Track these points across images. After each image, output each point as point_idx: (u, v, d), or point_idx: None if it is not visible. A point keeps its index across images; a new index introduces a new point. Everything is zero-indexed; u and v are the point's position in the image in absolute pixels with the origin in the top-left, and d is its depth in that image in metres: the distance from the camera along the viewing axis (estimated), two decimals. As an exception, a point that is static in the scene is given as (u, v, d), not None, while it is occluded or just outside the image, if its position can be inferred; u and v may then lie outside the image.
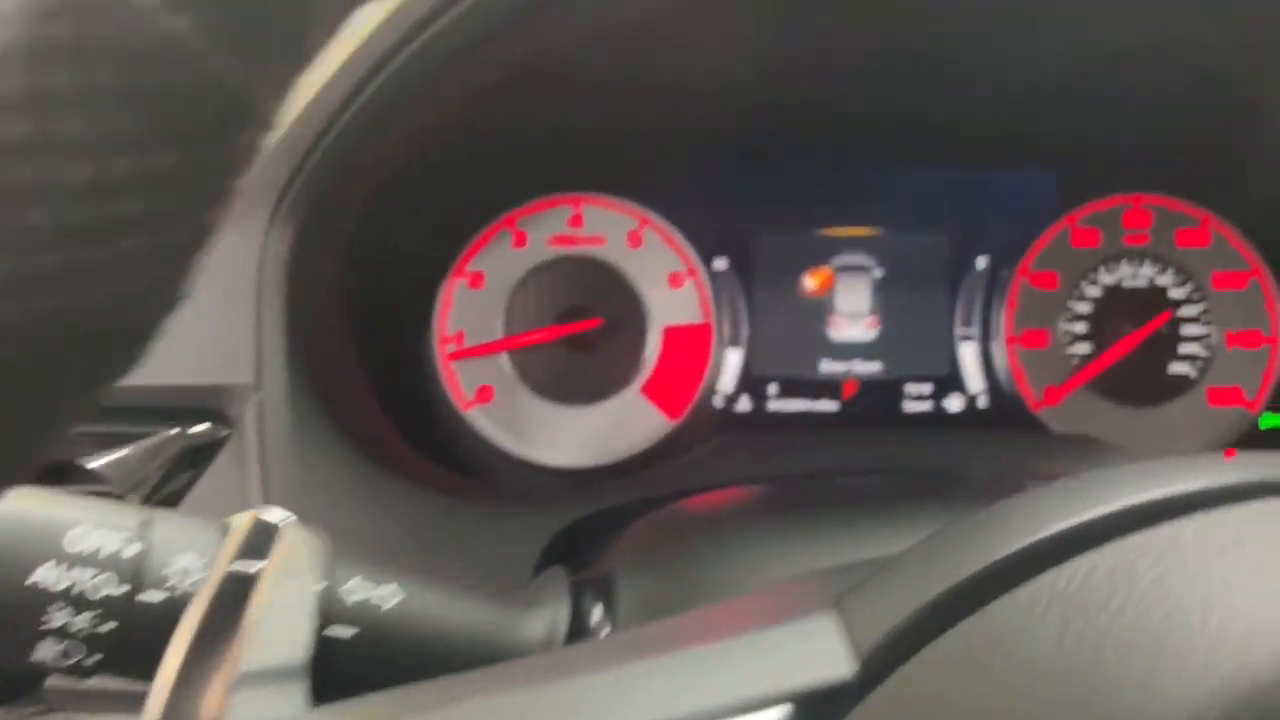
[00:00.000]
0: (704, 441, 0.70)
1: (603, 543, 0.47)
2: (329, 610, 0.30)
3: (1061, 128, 0.68)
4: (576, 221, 0.71)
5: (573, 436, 0.70)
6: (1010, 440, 0.70)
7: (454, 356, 0.70)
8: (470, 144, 0.63)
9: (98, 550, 0.30)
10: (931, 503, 0.43)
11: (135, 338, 0.19)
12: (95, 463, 0.48)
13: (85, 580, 0.29)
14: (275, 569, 0.27)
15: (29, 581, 0.29)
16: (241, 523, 0.29)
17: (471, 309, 0.70)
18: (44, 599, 0.29)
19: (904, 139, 0.70)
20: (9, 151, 0.17)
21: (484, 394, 0.70)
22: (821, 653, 0.22)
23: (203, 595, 0.27)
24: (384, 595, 0.32)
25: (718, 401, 0.72)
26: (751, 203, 0.73)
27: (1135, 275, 0.71)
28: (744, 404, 0.72)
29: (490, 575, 0.49)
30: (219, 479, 0.52)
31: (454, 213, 0.69)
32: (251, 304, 0.52)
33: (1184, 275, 0.71)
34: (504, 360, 0.70)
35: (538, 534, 0.52)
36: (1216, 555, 0.20)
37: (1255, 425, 0.70)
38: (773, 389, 0.73)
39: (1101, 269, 0.71)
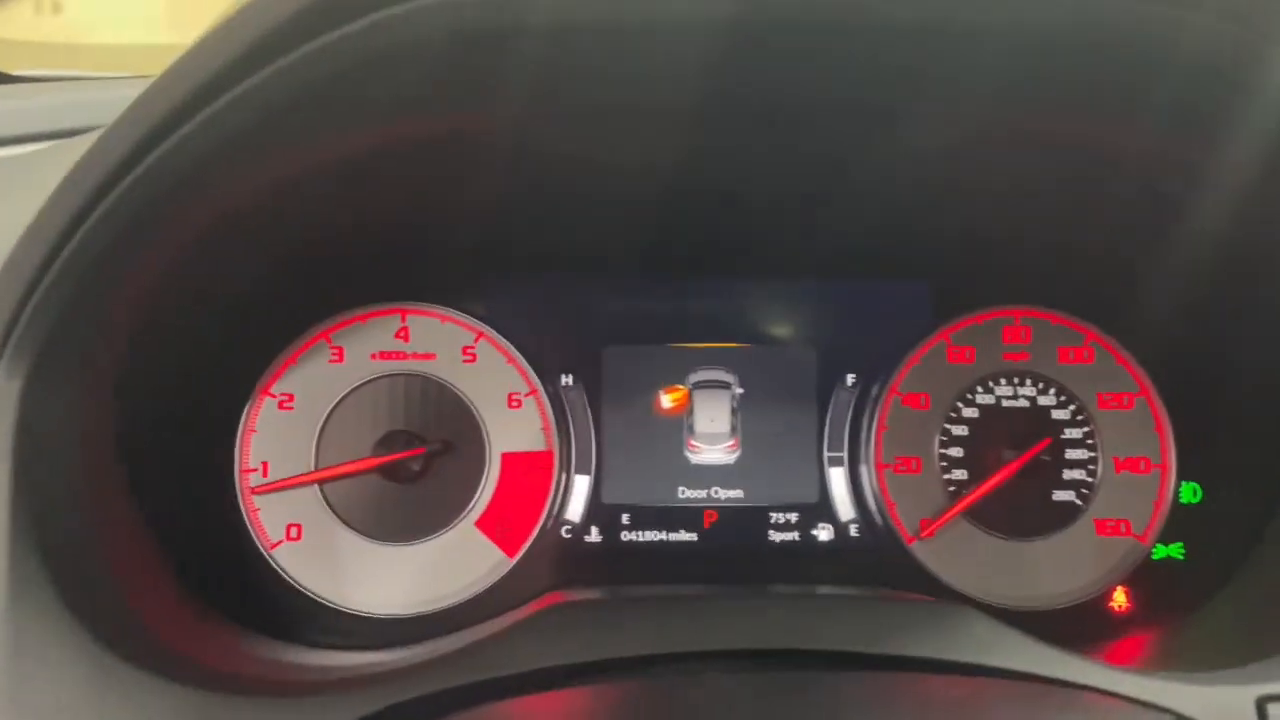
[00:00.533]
0: (547, 580, 0.63)
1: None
2: None
3: (936, 236, 0.63)
4: (403, 335, 0.64)
5: (397, 578, 0.62)
6: (884, 577, 0.64)
7: (258, 490, 0.62)
8: (266, 255, 0.56)
9: None
10: None
11: None
12: None
13: None
14: None
15: None
16: None
17: (280, 435, 0.62)
18: None
19: (768, 248, 0.64)
20: None
21: (293, 532, 0.62)
22: None
23: None
24: None
25: (564, 532, 0.65)
26: (601, 315, 0.66)
27: (1015, 394, 0.65)
28: (593, 535, 0.65)
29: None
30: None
31: (256, 329, 0.61)
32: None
33: (1066, 395, 0.65)
34: (317, 493, 0.62)
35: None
36: None
37: (1147, 558, 0.64)
38: (625, 519, 0.65)
39: (978, 388, 0.65)
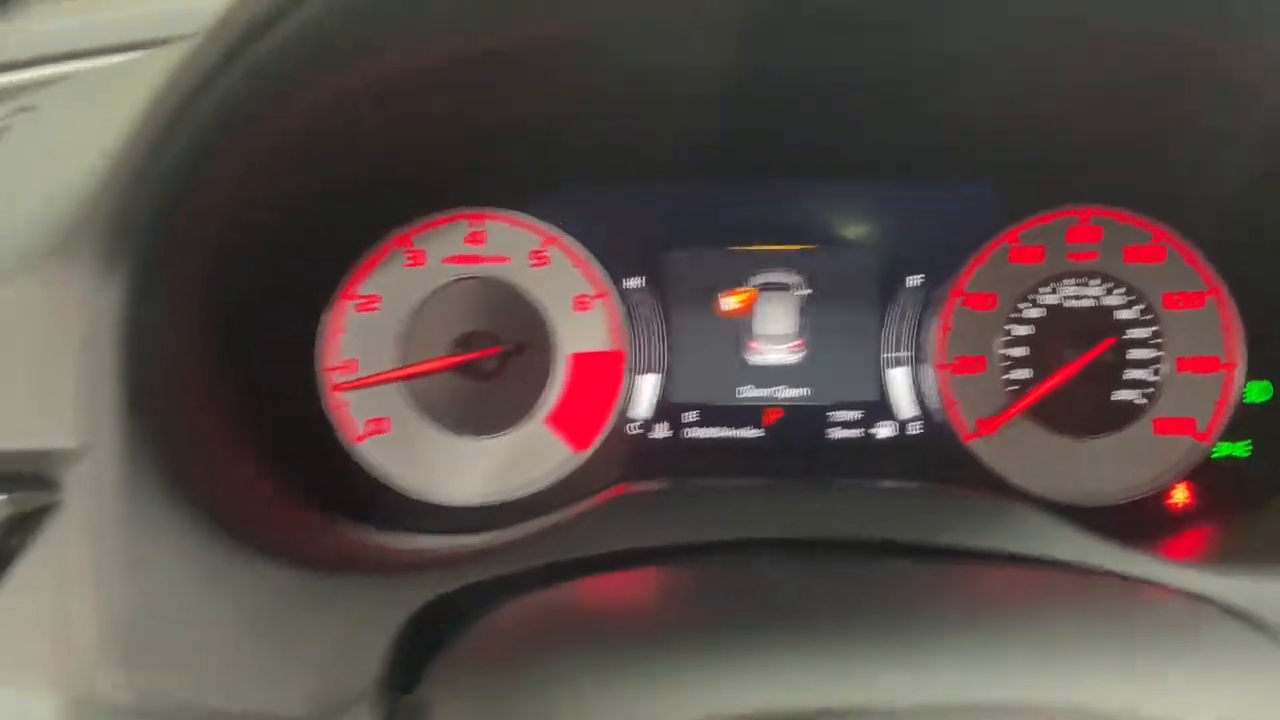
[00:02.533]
0: (615, 474, 0.66)
1: (447, 642, 0.43)
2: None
3: (1003, 135, 0.62)
4: (476, 239, 0.66)
5: (473, 470, 0.66)
6: (944, 474, 0.65)
7: (343, 387, 0.66)
8: (345, 162, 0.58)
9: None
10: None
11: None
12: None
13: None
14: None
15: None
16: None
17: (363, 335, 0.66)
18: None
19: (835, 150, 0.64)
20: None
21: (378, 426, 0.66)
22: None
23: None
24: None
25: (630, 429, 0.67)
26: (668, 218, 0.67)
27: (1080, 295, 0.66)
28: (660, 431, 0.68)
29: (331, 664, 0.45)
30: (49, 548, 0.48)
31: (336, 234, 0.64)
32: (73, 362, 0.48)
33: (1133, 295, 0.65)
34: (400, 391, 0.66)
35: (391, 613, 0.47)
36: None
37: (1207, 457, 0.65)
38: (690, 416, 0.68)
39: (1043, 288, 0.66)
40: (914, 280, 0.67)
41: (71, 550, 0.48)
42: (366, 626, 0.47)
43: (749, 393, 0.68)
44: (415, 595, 0.48)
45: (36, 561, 0.48)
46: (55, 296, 0.48)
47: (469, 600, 0.47)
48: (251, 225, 0.56)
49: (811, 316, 0.68)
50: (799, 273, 0.67)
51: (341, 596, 0.49)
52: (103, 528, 0.48)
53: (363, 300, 0.66)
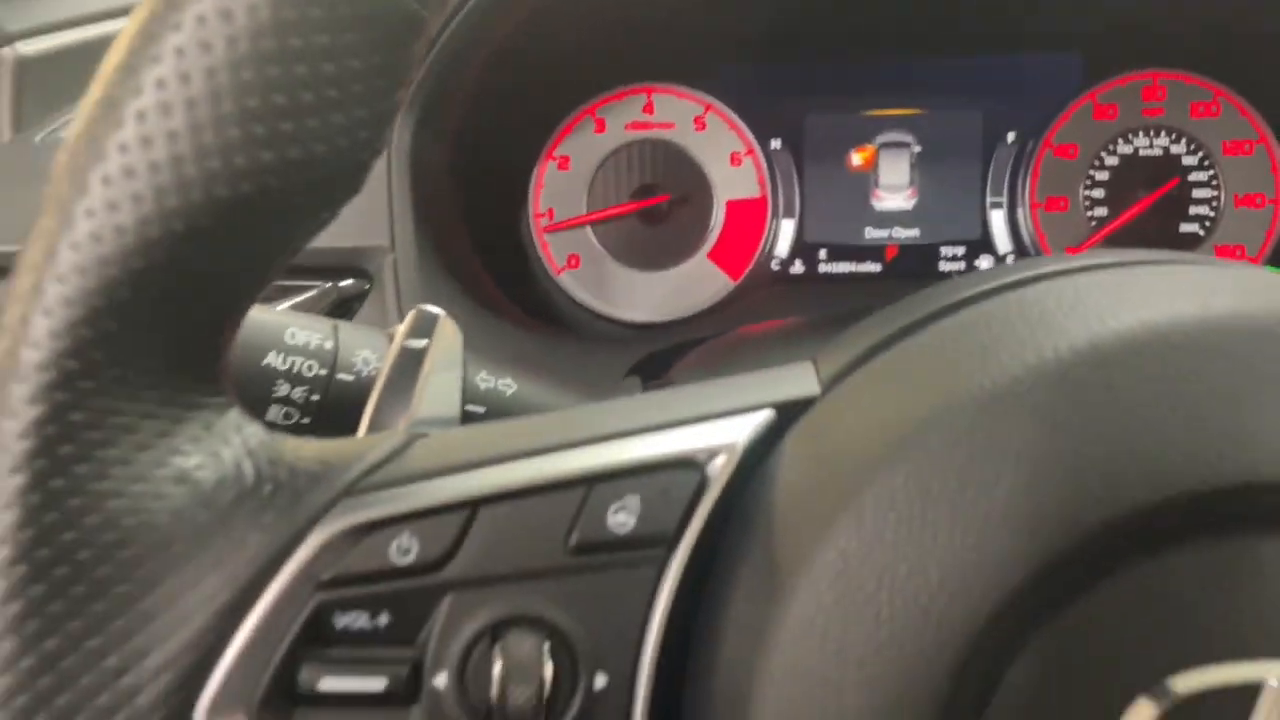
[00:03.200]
0: (760, 300, 0.82)
1: (672, 363, 0.59)
2: (466, 391, 0.43)
3: (1086, 11, 0.76)
4: (649, 109, 0.82)
5: (648, 297, 0.82)
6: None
7: (547, 229, 0.82)
8: (555, 41, 0.74)
9: (306, 344, 0.43)
10: None
11: (342, 184, 0.30)
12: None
13: (299, 364, 0.42)
14: (435, 347, 0.39)
15: (262, 363, 0.42)
16: (410, 315, 0.41)
17: (560, 188, 0.82)
18: (272, 375, 0.42)
19: (942, 28, 0.79)
20: (268, 59, 0.28)
21: (573, 261, 0.82)
22: (798, 380, 0.33)
23: (385, 369, 0.39)
24: (506, 384, 0.45)
25: (774, 265, 0.83)
26: (803, 89, 0.82)
27: (1150, 145, 0.79)
28: (797, 267, 0.83)
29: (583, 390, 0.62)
30: (363, 323, 0.66)
31: (543, 104, 0.80)
32: (383, 183, 0.65)
33: (1195, 144, 0.79)
34: (588, 232, 0.82)
35: (622, 360, 0.64)
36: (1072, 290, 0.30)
37: (1257, 278, 0.78)
38: (822, 254, 0.83)
39: (1119, 140, 0.79)
40: (1010, 136, 0.81)
41: (381, 320, 0.65)
42: (606, 369, 0.64)
43: (871, 234, 0.83)
44: (640, 351, 0.65)
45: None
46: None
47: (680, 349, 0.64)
48: (491, 89, 0.72)
49: (923, 170, 0.82)
50: (913, 133, 0.82)
51: (582, 353, 0.66)
52: (403, 303, 0.65)
53: (559, 160, 0.82)
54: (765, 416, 0.31)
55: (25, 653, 0.27)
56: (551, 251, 0.82)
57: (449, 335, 0.40)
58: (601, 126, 0.82)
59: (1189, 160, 0.79)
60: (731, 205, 0.82)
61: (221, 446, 0.29)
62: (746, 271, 0.82)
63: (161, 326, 0.28)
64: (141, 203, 0.26)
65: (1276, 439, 0.25)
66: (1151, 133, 0.79)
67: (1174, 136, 0.79)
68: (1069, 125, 0.80)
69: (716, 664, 0.28)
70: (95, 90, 0.28)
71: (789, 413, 0.31)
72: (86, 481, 0.27)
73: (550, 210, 0.82)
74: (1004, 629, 0.25)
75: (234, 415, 0.30)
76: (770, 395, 0.32)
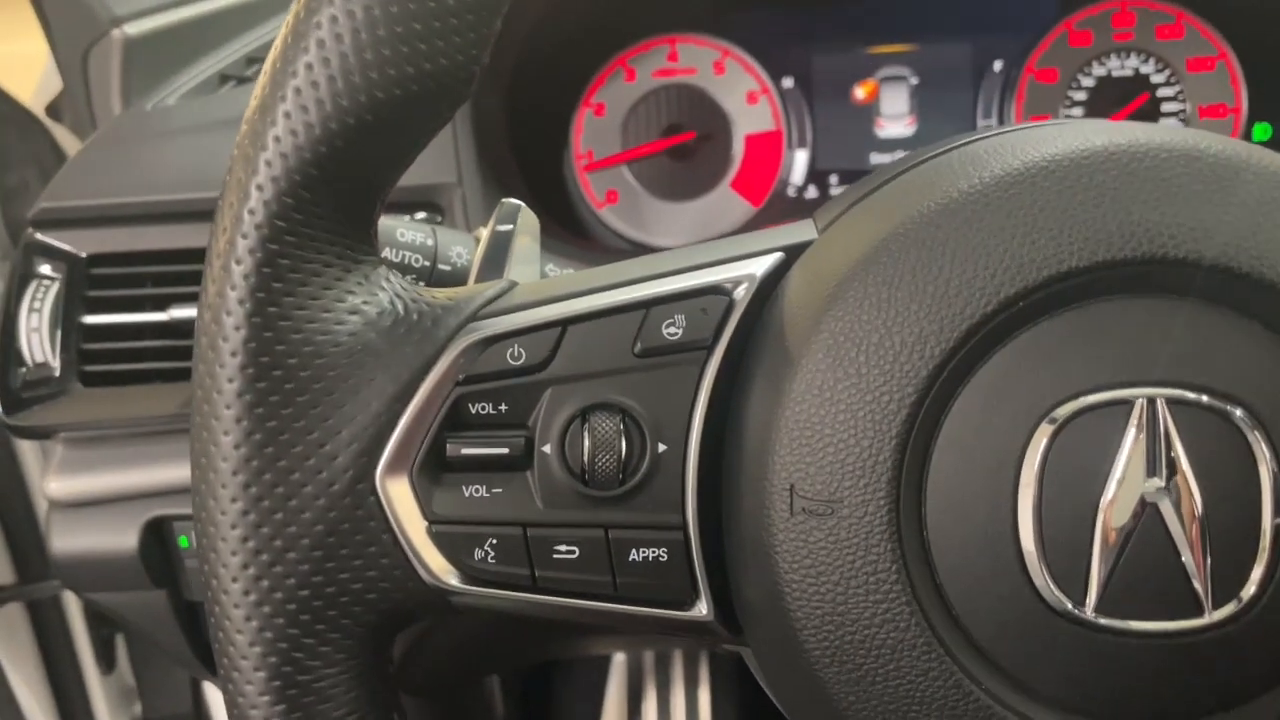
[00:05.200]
0: (779, 222, 0.92)
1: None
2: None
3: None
4: (673, 57, 0.92)
5: (680, 224, 0.93)
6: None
7: (587, 169, 0.93)
8: (584, 7, 0.85)
9: (412, 240, 0.54)
10: None
11: (459, 88, 0.41)
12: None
13: (408, 257, 0.53)
14: (520, 227, 0.50)
15: (382, 255, 0.53)
16: (499, 206, 0.52)
17: (597, 132, 0.93)
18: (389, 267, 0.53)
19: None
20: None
21: (611, 196, 0.93)
22: (801, 230, 0.44)
23: (482, 244, 0.50)
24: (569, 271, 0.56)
25: (790, 192, 0.93)
26: (810, 32, 0.92)
27: (1122, 66, 0.88)
28: (811, 192, 0.93)
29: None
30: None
31: (580, 56, 0.91)
32: (451, 126, 0.76)
33: (1162, 63, 0.88)
34: (625, 170, 0.93)
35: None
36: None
37: (1221, 180, 0.88)
38: (833, 179, 0.93)
39: (1094, 63, 0.89)
40: (997, 65, 0.90)
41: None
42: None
43: (876, 159, 0.93)
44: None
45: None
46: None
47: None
48: (536, 43, 0.83)
49: (921, 99, 0.92)
50: (910, 67, 0.92)
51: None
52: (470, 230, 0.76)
53: (595, 107, 0.93)
54: (776, 257, 0.42)
55: (255, 429, 0.38)
56: (593, 189, 0.93)
57: (529, 219, 0.51)
58: (631, 75, 0.92)
59: (1157, 78, 0.88)
60: (750, 139, 0.92)
61: (379, 289, 0.40)
62: (766, 198, 0.93)
63: (339, 197, 0.39)
64: (323, 105, 0.37)
65: (1137, 227, 0.35)
66: (1123, 55, 0.88)
67: (1143, 57, 0.88)
68: (1048, 52, 0.89)
69: (746, 427, 0.39)
70: (283, 28, 0.39)
71: (794, 253, 0.42)
72: (291, 309, 0.38)
73: (590, 151, 0.93)
74: (949, 376, 0.36)
75: (385, 269, 0.41)
76: (780, 241, 0.43)
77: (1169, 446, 0.35)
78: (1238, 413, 0.35)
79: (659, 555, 0.40)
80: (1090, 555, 0.35)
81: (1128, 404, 0.35)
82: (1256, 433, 0.35)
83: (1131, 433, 0.35)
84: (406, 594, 0.40)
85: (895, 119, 0.92)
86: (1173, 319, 0.35)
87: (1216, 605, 0.35)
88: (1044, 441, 0.35)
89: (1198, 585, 0.35)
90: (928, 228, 0.37)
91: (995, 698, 0.36)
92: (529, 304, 0.41)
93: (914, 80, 0.92)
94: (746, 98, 0.92)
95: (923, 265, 0.37)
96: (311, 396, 0.38)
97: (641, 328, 0.40)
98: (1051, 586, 0.35)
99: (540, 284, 0.43)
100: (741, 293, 0.41)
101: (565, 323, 0.41)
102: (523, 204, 0.51)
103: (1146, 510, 0.35)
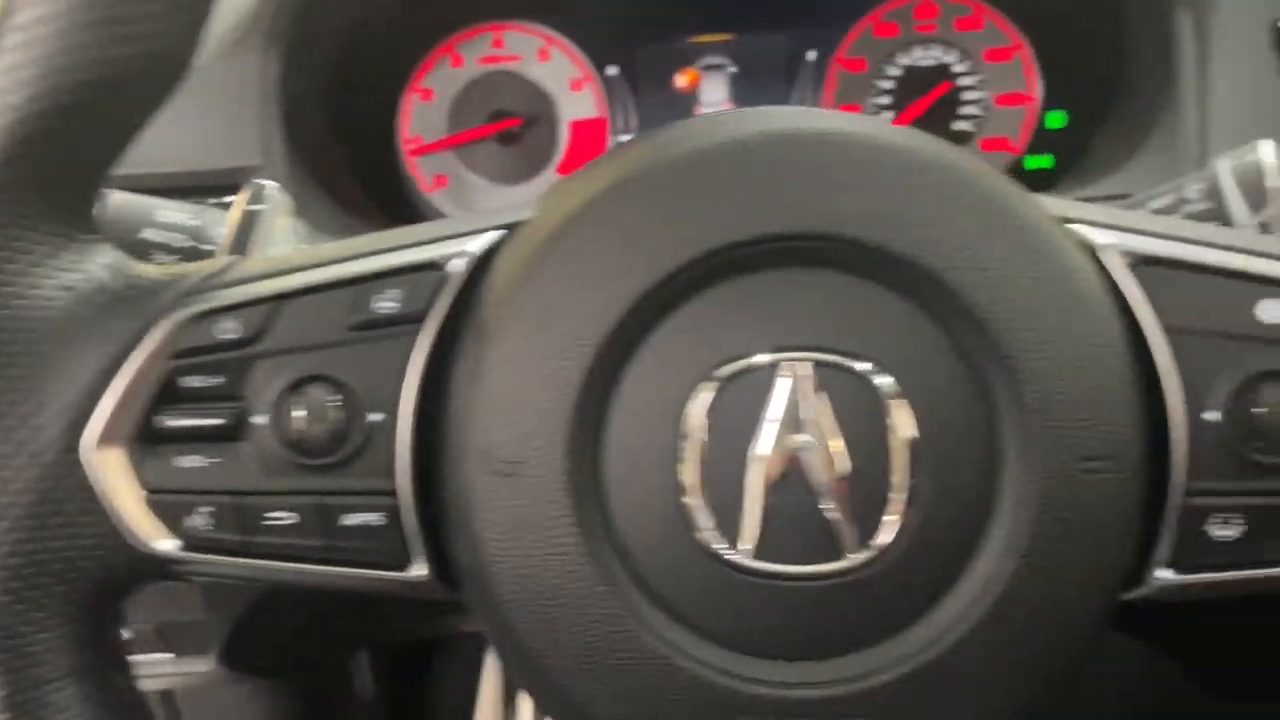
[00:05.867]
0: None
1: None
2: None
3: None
4: (499, 44, 0.94)
5: (509, 208, 0.95)
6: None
7: (415, 153, 0.94)
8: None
9: (174, 221, 0.55)
10: None
11: (165, 74, 0.42)
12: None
13: (169, 237, 0.55)
14: (273, 210, 0.51)
15: (138, 236, 0.54)
16: (244, 188, 0.53)
17: (425, 117, 0.94)
18: (146, 247, 0.54)
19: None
20: None
21: (440, 181, 0.95)
22: (523, 210, 0.46)
23: (229, 228, 0.52)
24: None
25: (617, 176, 0.96)
26: (633, 20, 0.95)
27: (926, 56, 0.93)
28: (637, 177, 0.96)
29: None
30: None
31: (406, 42, 0.92)
32: (257, 110, 0.77)
33: (963, 54, 0.92)
34: (453, 155, 0.94)
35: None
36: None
37: (1018, 165, 0.92)
38: (658, 164, 0.96)
39: (900, 53, 0.93)
40: (811, 55, 0.94)
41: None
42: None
43: (698, 144, 0.96)
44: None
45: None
46: (244, 68, 0.76)
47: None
48: (354, 35, 0.84)
49: (740, 87, 0.95)
50: (729, 56, 0.95)
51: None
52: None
53: (423, 92, 0.94)
54: (495, 234, 0.44)
55: None
56: (421, 173, 0.95)
57: (280, 199, 0.52)
58: (459, 61, 0.94)
59: (959, 68, 0.92)
60: (575, 125, 0.94)
61: (95, 267, 0.42)
62: (592, 182, 0.95)
63: (45, 176, 0.40)
64: (26, 85, 0.38)
65: (793, 205, 0.38)
66: (926, 45, 0.93)
67: (945, 48, 0.92)
68: (856, 42, 0.93)
69: (453, 396, 0.41)
70: None
71: (514, 229, 0.45)
72: (-4, 284, 0.40)
73: (418, 136, 0.94)
74: (622, 340, 0.39)
75: (106, 247, 0.43)
76: (500, 220, 0.45)
77: (815, 406, 0.38)
78: (877, 376, 0.38)
79: (375, 520, 0.42)
80: (744, 506, 0.38)
81: (777, 366, 0.38)
82: (894, 394, 0.38)
83: (782, 392, 0.38)
84: (122, 561, 0.41)
85: (714, 107, 0.95)
86: (823, 289, 0.39)
87: (854, 551, 0.38)
88: (706, 399, 0.38)
89: (838, 532, 0.38)
90: (609, 203, 0.40)
91: (665, 640, 0.39)
92: (246, 279, 0.43)
93: (733, 69, 0.95)
94: (571, 84, 0.94)
95: (602, 237, 0.39)
96: (20, 370, 0.40)
97: (354, 303, 0.42)
98: (712, 534, 0.38)
99: (261, 260, 0.45)
100: (456, 267, 0.43)
101: (279, 298, 0.42)
102: (274, 184, 0.53)
103: (793, 464, 0.38)
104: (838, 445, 0.38)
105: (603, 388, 0.39)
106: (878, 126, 0.41)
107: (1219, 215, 0.56)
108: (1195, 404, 0.40)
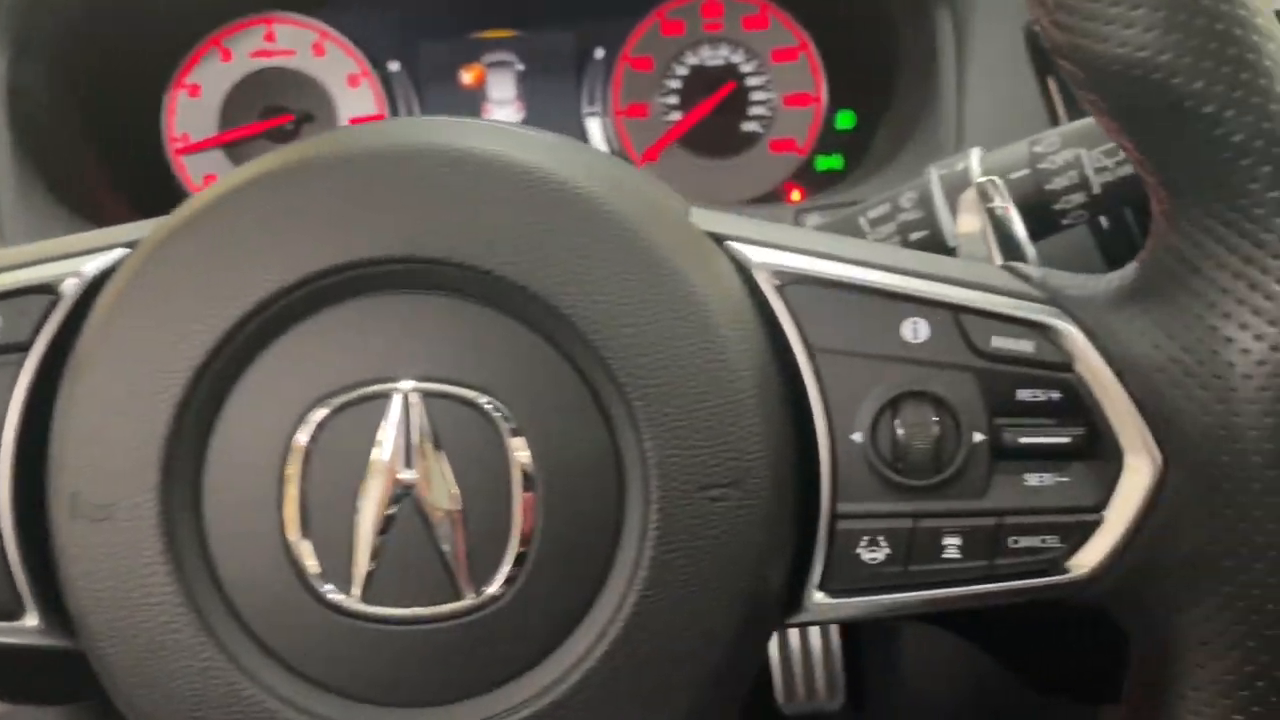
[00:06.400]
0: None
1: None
2: None
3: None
4: (270, 38, 0.90)
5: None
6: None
7: (181, 152, 0.90)
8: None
9: None
10: None
11: None
12: None
13: None
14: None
15: None
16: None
17: (192, 114, 0.89)
18: None
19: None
20: None
21: (210, 180, 0.90)
22: (140, 229, 0.43)
23: None
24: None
25: (402, 176, 0.92)
26: (414, 15, 0.91)
27: (714, 55, 0.91)
28: (424, 177, 0.93)
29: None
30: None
31: (168, 35, 0.88)
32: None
33: (750, 53, 0.91)
34: (223, 153, 0.90)
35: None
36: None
37: (805, 166, 0.92)
38: (445, 164, 0.93)
39: (687, 52, 0.91)
40: (599, 52, 0.92)
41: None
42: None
43: (485, 144, 0.93)
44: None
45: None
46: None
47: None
48: (99, 29, 0.79)
49: (528, 85, 0.93)
50: (515, 53, 0.92)
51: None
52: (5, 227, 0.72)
53: (189, 89, 0.89)
54: (118, 252, 0.41)
55: None
56: (189, 172, 0.90)
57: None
58: (228, 55, 0.90)
59: (746, 67, 0.91)
60: (354, 122, 0.91)
61: None
62: (374, 183, 0.92)
63: None
64: None
65: (394, 226, 0.36)
66: (714, 44, 0.91)
67: (733, 47, 0.91)
68: (642, 40, 0.91)
69: (51, 432, 0.38)
70: None
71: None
72: None
73: (185, 134, 0.90)
74: (216, 374, 0.36)
75: None
76: (125, 236, 0.42)
77: (424, 438, 0.36)
78: (488, 404, 0.36)
79: None
80: (354, 546, 0.36)
81: (386, 397, 0.36)
82: (507, 422, 0.36)
83: (390, 425, 0.36)
84: None
85: (503, 104, 0.93)
86: (437, 316, 0.36)
87: (472, 591, 0.36)
88: (308, 436, 0.36)
89: (454, 572, 0.36)
90: (210, 220, 0.37)
91: (272, 692, 0.36)
92: None
93: (520, 66, 0.92)
94: (348, 80, 0.91)
95: (199, 258, 0.36)
96: None
97: None
98: (319, 577, 0.36)
99: None
100: (69, 288, 0.40)
101: None
102: None
103: (405, 501, 0.36)
104: (450, 480, 0.36)
105: (199, 423, 0.36)
106: (506, 142, 0.38)
107: (929, 225, 0.55)
108: (842, 425, 0.39)
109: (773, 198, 0.92)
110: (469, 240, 0.36)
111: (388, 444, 0.36)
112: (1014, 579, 0.39)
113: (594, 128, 0.92)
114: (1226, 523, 0.37)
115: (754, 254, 0.40)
